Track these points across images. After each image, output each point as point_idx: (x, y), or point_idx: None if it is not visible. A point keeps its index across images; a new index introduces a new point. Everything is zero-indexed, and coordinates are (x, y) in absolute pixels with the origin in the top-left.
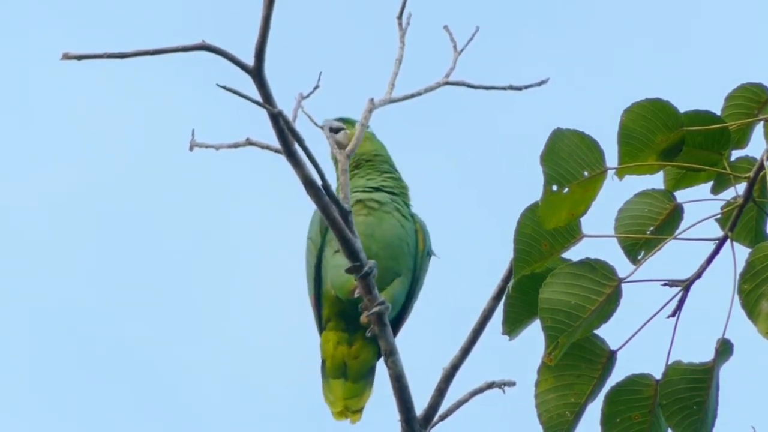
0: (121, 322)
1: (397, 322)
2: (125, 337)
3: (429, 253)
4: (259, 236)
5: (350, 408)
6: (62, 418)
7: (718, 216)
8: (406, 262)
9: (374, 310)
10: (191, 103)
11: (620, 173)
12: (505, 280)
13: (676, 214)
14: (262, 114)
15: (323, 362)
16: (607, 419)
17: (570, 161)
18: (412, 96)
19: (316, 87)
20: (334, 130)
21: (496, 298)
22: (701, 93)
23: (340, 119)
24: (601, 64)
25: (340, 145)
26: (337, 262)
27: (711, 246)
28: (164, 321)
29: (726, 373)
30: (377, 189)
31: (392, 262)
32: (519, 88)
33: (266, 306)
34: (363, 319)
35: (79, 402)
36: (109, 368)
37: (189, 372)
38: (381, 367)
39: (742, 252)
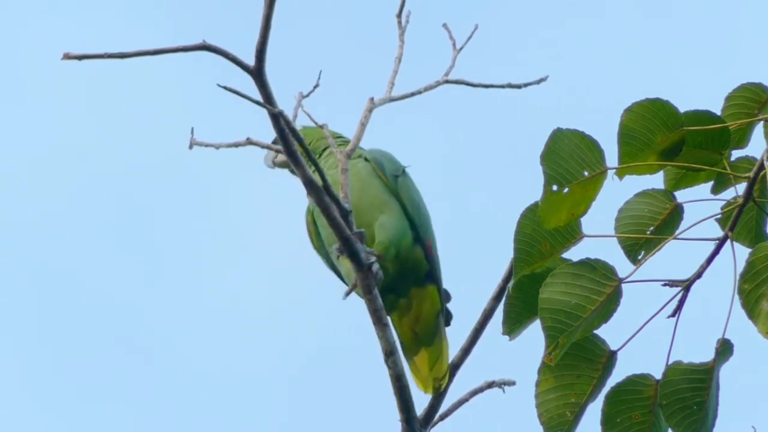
0: (119, 320)
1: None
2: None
3: (397, 176)
4: (258, 235)
5: (438, 377)
6: (48, 391)
7: (718, 216)
8: (379, 202)
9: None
10: (192, 103)
11: (620, 173)
12: (506, 280)
13: (676, 214)
14: (263, 113)
15: (402, 346)
16: (607, 419)
17: (570, 161)
18: (412, 95)
19: (316, 86)
20: (274, 157)
21: (497, 298)
22: (701, 93)
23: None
24: (601, 62)
25: (282, 164)
26: (347, 266)
27: (711, 246)
28: (161, 318)
29: (726, 373)
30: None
31: (367, 217)
32: (518, 86)
33: (265, 305)
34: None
35: (64, 373)
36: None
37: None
38: (382, 367)
39: (742, 252)
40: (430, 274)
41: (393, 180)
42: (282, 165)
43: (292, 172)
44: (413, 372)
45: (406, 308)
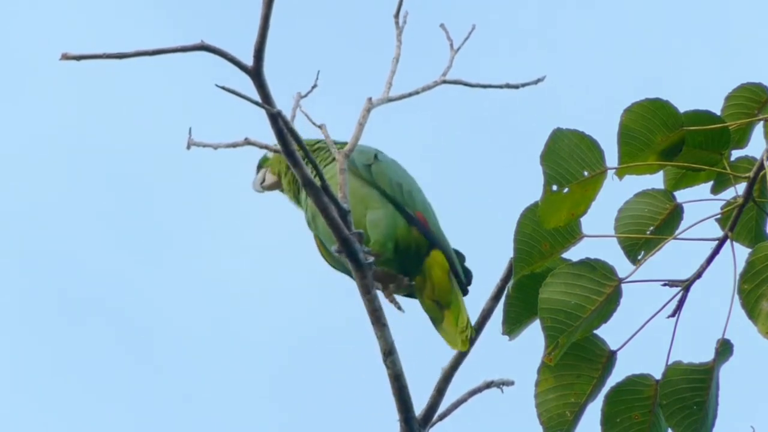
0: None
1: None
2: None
3: (369, 164)
4: (257, 232)
5: (463, 329)
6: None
7: (718, 216)
8: (360, 197)
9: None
10: (190, 103)
11: (620, 173)
12: (505, 280)
13: (676, 214)
14: (261, 114)
15: (431, 319)
16: (607, 419)
17: (570, 161)
18: (410, 95)
19: (314, 86)
20: (261, 181)
21: (496, 298)
22: (701, 92)
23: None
24: (601, 62)
25: (271, 186)
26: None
27: (711, 246)
28: (159, 305)
29: (726, 373)
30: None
31: (354, 215)
32: (516, 87)
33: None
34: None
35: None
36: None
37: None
38: (381, 366)
39: (742, 252)
40: (432, 244)
41: (366, 171)
42: (270, 187)
43: (282, 191)
44: (445, 338)
45: (423, 284)
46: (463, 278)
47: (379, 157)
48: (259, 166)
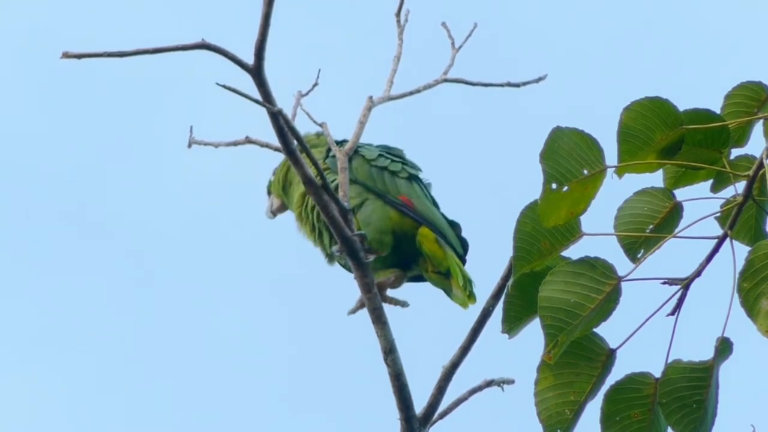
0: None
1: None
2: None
3: (349, 160)
4: (260, 236)
5: (465, 288)
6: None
7: (718, 214)
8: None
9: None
10: (191, 102)
11: (620, 171)
12: (505, 279)
13: (675, 212)
14: (262, 112)
15: (445, 293)
16: (606, 417)
17: (569, 159)
18: (411, 93)
19: (315, 85)
20: (270, 207)
21: (496, 297)
22: (701, 91)
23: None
24: (601, 61)
25: (280, 209)
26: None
27: (711, 244)
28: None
29: (726, 371)
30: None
31: None
32: (517, 85)
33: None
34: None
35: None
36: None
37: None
38: (381, 365)
39: (742, 250)
40: (419, 224)
41: (349, 162)
42: (280, 210)
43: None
44: (457, 302)
45: (425, 262)
46: (459, 249)
47: (359, 150)
48: (268, 192)
